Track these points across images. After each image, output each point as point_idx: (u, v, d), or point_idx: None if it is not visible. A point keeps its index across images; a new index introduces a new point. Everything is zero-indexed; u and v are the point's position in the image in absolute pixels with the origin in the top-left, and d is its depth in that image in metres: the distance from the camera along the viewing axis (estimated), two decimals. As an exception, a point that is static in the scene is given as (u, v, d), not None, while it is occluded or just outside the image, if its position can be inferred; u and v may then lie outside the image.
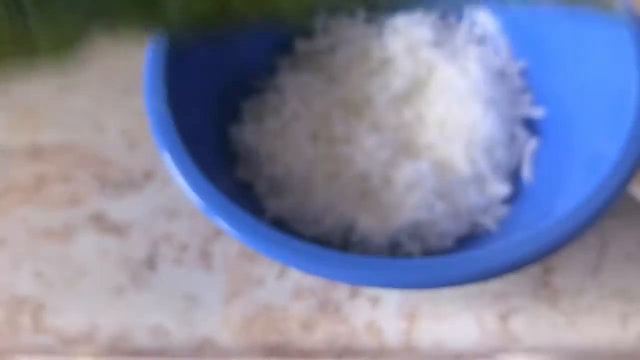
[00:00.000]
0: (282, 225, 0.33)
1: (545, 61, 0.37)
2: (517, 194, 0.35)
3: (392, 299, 0.35)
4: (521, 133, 0.36)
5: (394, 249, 0.34)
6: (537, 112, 0.37)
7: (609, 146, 0.30)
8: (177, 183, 0.29)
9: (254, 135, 0.35)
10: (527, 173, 0.35)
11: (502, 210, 0.34)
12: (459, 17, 0.40)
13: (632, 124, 0.29)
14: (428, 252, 0.33)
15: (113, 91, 0.44)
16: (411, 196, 0.33)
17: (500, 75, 0.38)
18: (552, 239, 0.27)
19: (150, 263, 0.38)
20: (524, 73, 0.38)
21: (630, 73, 0.30)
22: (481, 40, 0.39)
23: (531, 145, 0.36)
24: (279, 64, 0.39)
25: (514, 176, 0.36)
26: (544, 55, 0.37)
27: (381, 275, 0.26)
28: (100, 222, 0.39)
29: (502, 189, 0.34)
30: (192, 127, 0.32)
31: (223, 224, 0.27)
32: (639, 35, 0.31)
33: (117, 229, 0.39)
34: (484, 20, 0.39)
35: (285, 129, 0.35)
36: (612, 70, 0.32)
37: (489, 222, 0.34)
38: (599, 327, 0.35)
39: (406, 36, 0.38)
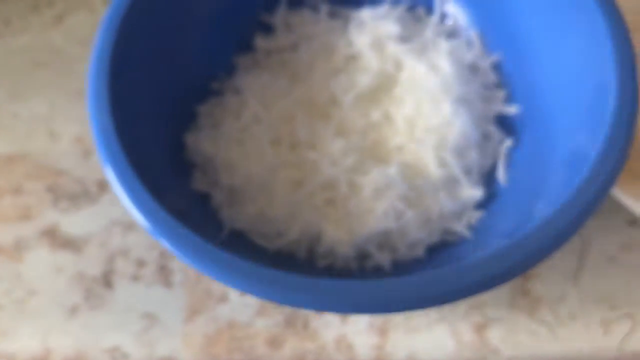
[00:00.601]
0: (242, 238, 0.31)
1: (519, 55, 0.35)
2: (491, 198, 0.33)
3: (363, 311, 0.33)
4: (495, 132, 0.34)
5: (362, 260, 0.31)
6: (512, 109, 0.34)
7: (590, 143, 0.28)
8: (121, 202, 0.27)
9: (211, 142, 0.33)
10: (501, 175, 0.33)
11: (476, 216, 0.32)
12: (429, 9, 0.37)
13: (613, 119, 0.27)
14: (398, 263, 0.31)
15: (67, 95, 0.41)
16: (379, 203, 0.31)
17: (472, 70, 0.36)
18: (533, 248, 0.25)
19: (106, 280, 0.35)
20: (497, 67, 0.36)
21: (609, 67, 0.28)
22: (452, 34, 0.37)
23: (506, 145, 0.34)
24: (239, 64, 0.37)
25: (488, 178, 0.34)
26: (517, 49, 0.35)
27: (343, 300, 0.23)
28: (53, 237, 0.37)
29: (475, 193, 0.32)
30: (142, 137, 0.30)
31: (168, 247, 0.25)
32: (616, 28, 0.29)
33: (71, 244, 0.37)
34: (455, 12, 0.37)
35: (245, 134, 0.33)
36: (589, 65, 0.30)
37: (461, 229, 0.32)
38: (581, 335, 0.33)
39: (372, 31, 0.36)
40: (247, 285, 0.24)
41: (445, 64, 0.35)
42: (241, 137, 0.33)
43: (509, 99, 0.35)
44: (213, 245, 0.25)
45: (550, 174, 0.30)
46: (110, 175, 0.27)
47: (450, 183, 0.32)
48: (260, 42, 0.37)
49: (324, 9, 0.37)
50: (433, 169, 0.32)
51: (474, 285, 0.24)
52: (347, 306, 0.23)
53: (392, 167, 0.32)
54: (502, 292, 0.34)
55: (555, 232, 0.25)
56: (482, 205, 0.33)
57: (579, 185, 0.26)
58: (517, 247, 0.25)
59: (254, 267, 0.24)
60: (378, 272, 0.31)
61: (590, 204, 0.26)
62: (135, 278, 0.35)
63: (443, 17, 0.37)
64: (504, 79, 0.36)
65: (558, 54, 0.32)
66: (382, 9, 0.36)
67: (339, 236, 0.30)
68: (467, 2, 0.37)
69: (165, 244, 0.25)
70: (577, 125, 0.30)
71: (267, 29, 0.38)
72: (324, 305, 0.23)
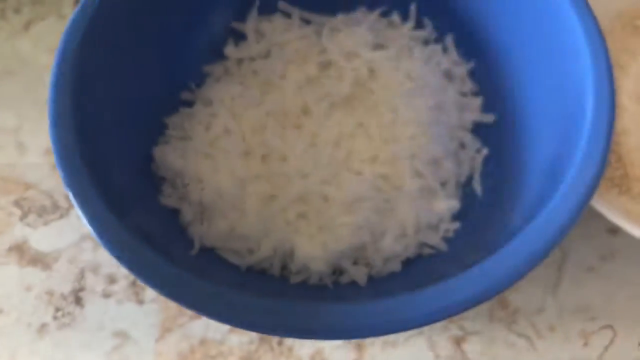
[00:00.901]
0: (212, 255, 0.30)
1: (495, 62, 0.34)
2: (467, 208, 0.32)
3: (339, 326, 0.33)
4: (471, 141, 0.33)
5: (337, 276, 0.31)
6: (488, 118, 0.34)
7: (568, 153, 0.27)
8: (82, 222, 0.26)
9: (179, 155, 0.32)
10: (478, 186, 0.32)
11: (452, 228, 0.31)
12: (404, 15, 0.37)
13: (591, 128, 0.26)
14: (374, 277, 0.30)
15: (36, 106, 0.40)
16: (353, 217, 0.30)
17: (448, 78, 0.35)
18: (514, 265, 0.24)
19: (76, 297, 0.35)
20: (472, 74, 0.35)
21: (586, 77, 0.28)
22: (427, 40, 0.36)
23: (482, 154, 0.33)
24: (209, 73, 0.36)
25: (464, 189, 0.33)
26: (493, 56, 0.34)
27: (313, 328, 0.23)
28: (22, 253, 0.36)
29: (451, 204, 0.32)
30: (107, 152, 0.29)
31: (128, 269, 0.24)
32: (593, 37, 0.28)
33: (40, 260, 0.36)
34: (430, 18, 0.36)
35: (214, 146, 0.32)
36: (566, 74, 0.29)
37: (437, 241, 0.31)
38: (560, 347, 0.32)
39: (345, 38, 0.35)
40: (212, 311, 0.23)
41: (420, 72, 0.34)
42: (211, 150, 0.32)
43: (485, 107, 0.34)
44: (175, 268, 0.24)
45: (528, 183, 0.29)
46: (70, 195, 0.26)
47: (426, 194, 0.32)
48: (231, 50, 0.36)
49: (297, 15, 0.36)
50: (408, 180, 0.32)
51: (452, 307, 0.23)
52: (317, 333, 0.22)
53: (366, 179, 0.31)
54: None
55: (538, 246, 0.25)
56: (458, 216, 0.32)
57: (559, 196, 0.25)
58: (497, 264, 0.24)
59: (218, 291, 0.23)
60: (353, 287, 0.30)
61: (571, 215, 0.25)
62: (106, 295, 0.34)
63: (419, 22, 0.36)
64: (479, 85, 0.35)
65: (533, 63, 0.31)
66: (356, 16, 0.36)
67: (312, 252, 0.30)
68: (441, 9, 0.36)
69: (126, 268, 0.24)
70: (554, 134, 0.29)
71: (239, 36, 0.37)
72: (291, 332, 0.22)
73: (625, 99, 0.35)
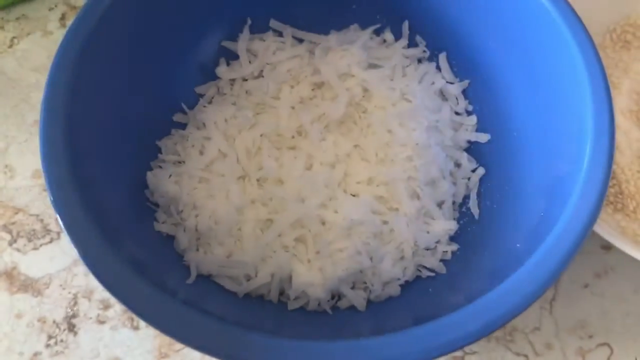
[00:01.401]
0: (209, 283, 0.30)
1: (488, 80, 0.34)
2: (464, 229, 0.32)
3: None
4: (466, 161, 0.33)
5: (336, 300, 0.30)
6: (483, 137, 0.34)
7: (570, 171, 0.26)
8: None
9: (173, 180, 0.31)
10: (474, 206, 0.32)
11: (450, 249, 0.31)
12: (397, 32, 0.36)
13: (593, 144, 0.26)
14: (373, 302, 0.30)
15: (22, 126, 0.39)
16: (351, 241, 0.30)
17: (442, 97, 0.35)
18: (521, 296, 0.24)
19: (69, 324, 0.34)
20: (466, 93, 0.35)
21: (585, 97, 0.27)
22: (421, 58, 0.36)
23: (478, 174, 0.33)
24: (201, 94, 0.35)
25: (461, 210, 0.33)
26: (486, 74, 0.34)
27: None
28: (12, 280, 0.35)
29: (448, 225, 0.32)
30: (100, 178, 0.28)
31: (120, 301, 0.24)
32: (589, 56, 0.28)
33: (30, 287, 0.35)
34: (423, 36, 0.36)
35: (209, 171, 0.32)
36: (563, 94, 0.29)
37: (435, 264, 0.31)
38: (558, 366, 0.32)
39: (339, 57, 0.35)
40: (205, 347, 0.23)
41: (415, 91, 0.34)
42: (205, 175, 0.31)
43: (480, 126, 0.34)
44: (169, 300, 0.24)
45: (527, 204, 0.29)
46: (60, 223, 0.25)
47: (423, 216, 0.32)
48: (223, 70, 0.35)
49: (289, 33, 0.36)
50: (405, 202, 0.31)
51: (455, 342, 0.23)
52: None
53: (362, 203, 0.31)
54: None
55: (546, 274, 0.24)
56: (456, 238, 0.32)
57: (565, 220, 0.25)
58: (509, 294, 0.24)
59: (212, 326, 0.23)
60: (353, 312, 0.30)
61: (578, 238, 0.25)
62: (101, 321, 0.34)
63: (412, 40, 0.36)
64: (474, 105, 0.35)
65: (528, 82, 0.31)
66: (349, 34, 0.35)
67: (310, 279, 0.29)
68: (435, 27, 0.35)
69: (118, 300, 0.24)
70: (553, 154, 0.29)
71: (231, 56, 0.36)
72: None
73: (617, 115, 0.35)
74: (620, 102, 0.36)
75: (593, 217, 0.25)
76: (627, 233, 0.32)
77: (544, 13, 0.29)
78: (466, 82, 0.35)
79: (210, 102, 0.35)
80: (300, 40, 0.37)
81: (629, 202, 0.33)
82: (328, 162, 0.32)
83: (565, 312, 0.33)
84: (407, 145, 0.32)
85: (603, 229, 0.31)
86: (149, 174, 0.31)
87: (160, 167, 0.32)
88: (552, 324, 0.33)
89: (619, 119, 0.35)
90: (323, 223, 0.31)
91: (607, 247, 0.35)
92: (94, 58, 0.29)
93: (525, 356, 0.32)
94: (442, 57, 0.35)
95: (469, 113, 0.35)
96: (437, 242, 0.31)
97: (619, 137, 0.35)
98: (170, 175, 0.32)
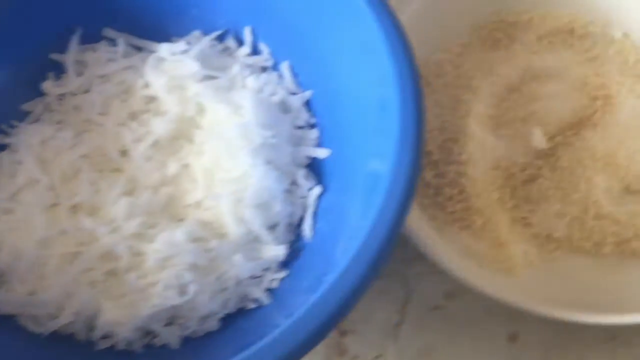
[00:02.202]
0: (10, 323, 0.28)
1: (333, 91, 0.32)
2: (296, 254, 0.30)
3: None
4: (305, 179, 0.31)
5: (150, 338, 0.28)
6: (322, 153, 0.31)
7: (380, 171, 0.25)
8: None
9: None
10: (307, 228, 0.30)
11: (279, 277, 0.29)
12: (240, 40, 0.34)
13: (395, 159, 0.25)
14: (189, 339, 0.28)
15: None
16: (165, 273, 0.28)
17: (283, 109, 0.32)
18: (324, 313, 0.23)
19: None
20: (311, 105, 0.33)
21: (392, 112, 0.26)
22: (265, 67, 0.34)
23: (315, 193, 0.31)
24: (29, 111, 0.33)
25: (297, 232, 0.31)
26: (330, 84, 0.32)
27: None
28: None
29: (277, 252, 0.29)
30: None
31: None
32: (403, 72, 0.26)
33: None
34: (268, 43, 0.34)
35: (16, 200, 0.29)
36: (378, 105, 0.27)
37: (260, 294, 0.29)
38: (401, 395, 0.31)
39: (170, 69, 0.32)
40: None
41: (252, 104, 0.31)
42: (11, 205, 0.29)
43: (323, 141, 0.32)
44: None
45: (350, 213, 0.28)
46: None
47: (250, 242, 0.29)
48: (49, 85, 0.33)
49: (123, 42, 0.33)
50: (232, 228, 0.29)
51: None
52: None
53: (181, 231, 0.29)
54: (316, 352, 0.31)
55: (354, 281, 0.23)
56: (286, 263, 0.30)
57: (372, 220, 0.24)
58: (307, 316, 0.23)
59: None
60: (167, 350, 0.28)
61: (388, 237, 0.24)
62: None
63: (256, 48, 0.34)
64: (317, 118, 0.32)
65: (355, 93, 0.29)
66: (182, 44, 0.33)
67: (117, 317, 0.27)
68: (278, 33, 0.33)
69: None
70: (370, 158, 0.28)
71: (61, 69, 0.34)
72: None
73: (473, 124, 0.33)
74: (477, 108, 0.34)
75: (394, 226, 0.24)
76: (470, 254, 0.30)
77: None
78: (309, 93, 0.33)
79: (37, 121, 0.33)
80: (140, 49, 0.34)
81: (476, 219, 0.31)
82: (152, 185, 0.30)
83: (412, 338, 0.31)
84: (238, 165, 0.30)
85: (444, 249, 0.29)
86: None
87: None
88: (396, 352, 0.31)
89: (474, 128, 0.33)
90: (138, 254, 0.29)
91: (461, 265, 0.33)
92: None
93: (368, 385, 0.31)
94: (285, 66, 0.33)
95: (312, 126, 0.32)
96: (265, 269, 0.29)
97: (473, 148, 0.33)
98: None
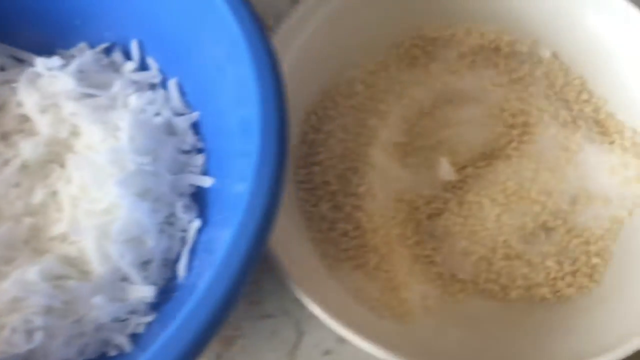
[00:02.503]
0: None
1: (222, 113, 0.29)
2: (169, 295, 0.27)
3: None
4: (183, 211, 0.28)
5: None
6: (205, 182, 0.29)
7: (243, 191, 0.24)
8: None
9: None
10: (182, 268, 0.27)
11: (145, 321, 0.27)
12: (128, 55, 0.31)
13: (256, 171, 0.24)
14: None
15: None
16: (12, 318, 0.25)
17: (167, 132, 0.30)
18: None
19: None
20: (199, 127, 0.30)
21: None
22: (153, 85, 0.31)
23: (193, 226, 0.28)
24: None
25: (175, 268, 0.28)
26: (219, 105, 0.29)
27: None
28: None
29: (145, 292, 0.27)
30: None
31: None
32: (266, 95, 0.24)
33: None
34: (156, 58, 0.31)
35: None
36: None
37: (122, 340, 0.26)
38: None
39: (44, 87, 0.30)
40: None
41: (131, 126, 0.29)
42: None
43: (210, 168, 0.29)
44: None
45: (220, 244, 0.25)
46: None
47: (118, 281, 0.27)
48: None
49: (3, 54, 0.31)
50: (95, 265, 0.27)
51: None
52: None
53: (36, 269, 0.26)
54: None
55: (209, 313, 0.22)
56: (157, 304, 0.27)
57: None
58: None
59: None
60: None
61: (239, 269, 0.23)
62: None
63: (143, 63, 0.31)
64: (205, 142, 0.30)
65: (230, 115, 0.27)
66: (57, 58, 0.30)
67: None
68: (167, 47, 0.30)
69: None
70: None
71: None
72: None
73: (376, 152, 0.30)
74: (384, 135, 0.31)
75: (249, 257, 0.23)
76: (361, 297, 0.28)
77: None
78: (196, 114, 0.30)
79: None
80: (22, 61, 0.31)
81: (370, 258, 0.29)
82: (14, 215, 0.28)
83: (298, 386, 0.29)
84: (108, 194, 0.27)
85: (327, 292, 0.26)
86: None
87: None
88: (280, 402, 0.29)
89: (377, 158, 0.30)
90: (-17, 298, 0.26)
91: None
92: None
93: None
94: (172, 83, 0.30)
95: (199, 151, 0.30)
96: (131, 312, 0.27)
97: (373, 179, 0.30)
98: None
